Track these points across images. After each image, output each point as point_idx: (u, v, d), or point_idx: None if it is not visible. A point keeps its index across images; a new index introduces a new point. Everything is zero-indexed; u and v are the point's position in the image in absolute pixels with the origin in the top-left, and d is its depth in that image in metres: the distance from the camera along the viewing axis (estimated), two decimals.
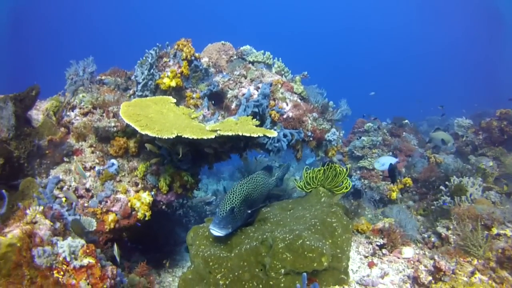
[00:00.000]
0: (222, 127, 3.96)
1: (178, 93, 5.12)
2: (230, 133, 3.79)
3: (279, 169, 4.81)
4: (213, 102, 5.17)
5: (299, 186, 4.23)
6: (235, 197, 3.41)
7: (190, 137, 3.67)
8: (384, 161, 5.40)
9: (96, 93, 5.16)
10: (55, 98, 5.20)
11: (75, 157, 4.46)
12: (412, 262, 3.72)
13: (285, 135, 4.61)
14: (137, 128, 3.80)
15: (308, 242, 2.89)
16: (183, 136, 3.70)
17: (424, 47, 47.36)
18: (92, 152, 4.49)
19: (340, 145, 5.18)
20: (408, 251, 3.82)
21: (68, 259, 2.93)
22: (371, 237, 4.02)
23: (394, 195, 6.61)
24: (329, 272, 3.09)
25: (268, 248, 3.02)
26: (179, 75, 5.07)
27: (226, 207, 3.28)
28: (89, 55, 5.57)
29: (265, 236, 3.10)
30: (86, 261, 3.01)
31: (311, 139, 4.80)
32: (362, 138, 7.80)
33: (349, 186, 4.02)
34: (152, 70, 5.10)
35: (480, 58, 42.16)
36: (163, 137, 3.69)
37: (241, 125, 4.13)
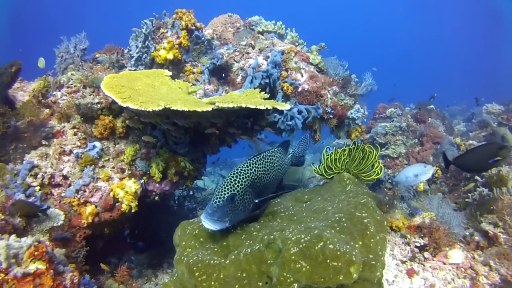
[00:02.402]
0: (222, 99, 3.05)
1: (176, 67, 4.23)
2: (231, 105, 2.89)
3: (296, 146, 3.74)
4: (223, 75, 4.25)
5: (317, 172, 3.23)
6: (239, 181, 2.45)
7: (181, 109, 2.78)
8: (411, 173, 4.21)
9: (88, 71, 4.33)
10: (43, 78, 4.36)
11: (55, 140, 3.61)
12: (463, 269, 2.73)
13: (300, 112, 3.64)
14: (118, 100, 2.95)
15: (331, 246, 1.95)
16: (172, 109, 2.80)
17: (426, 42, 45.77)
18: (75, 134, 3.64)
19: (364, 127, 4.17)
20: (457, 255, 2.83)
21: (4, 265, 2.05)
22: (408, 236, 3.04)
23: (421, 186, 5.62)
24: (358, 285, 2.14)
25: (276, 253, 2.09)
26: (177, 46, 4.17)
27: (224, 193, 2.33)
28: (93, 38, 4.79)
29: (272, 236, 2.16)
30: (33, 267, 2.14)
31: (331, 116, 3.80)
32: (385, 124, 6.76)
33: (381, 171, 3.02)
34: (147, 42, 4.22)
35: (480, 55, 40.77)
36: (148, 110, 2.79)
37: (246, 98, 3.20)
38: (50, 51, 4.64)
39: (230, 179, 2.44)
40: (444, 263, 2.78)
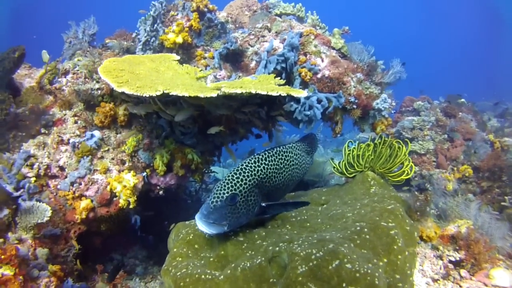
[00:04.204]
0: (229, 84, 2.63)
1: (186, 51, 3.84)
2: (239, 91, 2.48)
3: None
4: (238, 60, 3.82)
5: (337, 169, 2.76)
6: (242, 179, 2.02)
7: (181, 95, 2.38)
8: None
9: (97, 57, 4.00)
10: (51, 65, 4.07)
11: (54, 128, 3.30)
12: None
13: (319, 100, 3.17)
14: (113, 85, 2.61)
15: (348, 265, 1.52)
16: (171, 94, 2.41)
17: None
18: (75, 122, 3.32)
19: (391, 119, 3.66)
20: (502, 276, 2.31)
21: None
22: (441, 247, 2.53)
23: (450, 186, 5.07)
24: None
25: (281, 269, 1.68)
26: (187, 29, 3.77)
27: (224, 192, 1.93)
28: (104, 23, 4.49)
29: (277, 248, 1.74)
30: None
31: (354, 106, 3.29)
32: (412, 118, 6.18)
33: (411, 171, 2.54)
34: (156, 25, 3.87)
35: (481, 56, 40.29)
36: (144, 95, 2.41)
37: (258, 84, 2.77)
38: (60, 37, 4.36)
39: (232, 176, 2.02)
40: (486, 285, 2.26)
